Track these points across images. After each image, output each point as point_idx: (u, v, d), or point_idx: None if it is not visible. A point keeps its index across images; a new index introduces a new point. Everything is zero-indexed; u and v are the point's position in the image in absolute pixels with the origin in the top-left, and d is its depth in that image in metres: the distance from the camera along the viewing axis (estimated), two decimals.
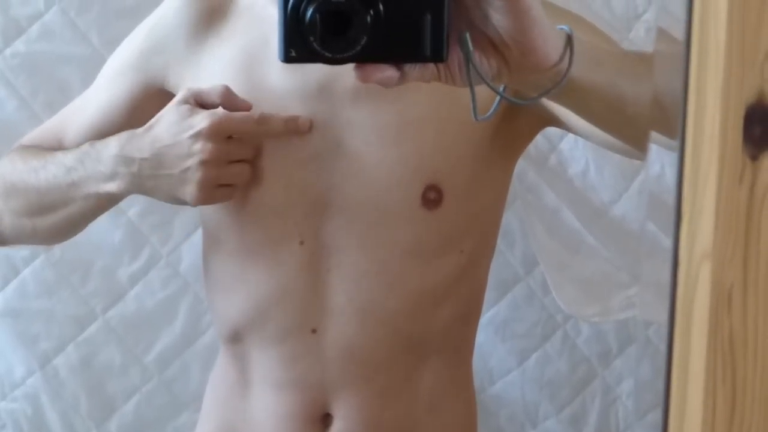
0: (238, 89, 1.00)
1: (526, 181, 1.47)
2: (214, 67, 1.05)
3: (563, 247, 1.45)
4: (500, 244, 1.36)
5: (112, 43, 1.18)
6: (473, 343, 1.15)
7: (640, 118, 0.79)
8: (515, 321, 1.53)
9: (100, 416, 1.51)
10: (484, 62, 0.70)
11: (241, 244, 1.07)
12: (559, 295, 1.41)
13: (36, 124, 1.39)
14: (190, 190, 0.98)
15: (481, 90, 0.72)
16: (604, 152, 1.23)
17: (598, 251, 1.45)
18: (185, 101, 0.98)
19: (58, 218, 1.09)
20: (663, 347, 0.50)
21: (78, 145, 1.09)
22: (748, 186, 0.48)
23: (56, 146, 1.12)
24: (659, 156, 0.64)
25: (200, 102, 0.98)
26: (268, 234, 1.04)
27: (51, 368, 1.49)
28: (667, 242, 0.50)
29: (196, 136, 0.96)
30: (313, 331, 1.05)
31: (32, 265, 1.47)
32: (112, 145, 1.02)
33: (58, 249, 1.45)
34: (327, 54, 0.68)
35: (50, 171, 1.06)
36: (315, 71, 0.98)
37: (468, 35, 0.69)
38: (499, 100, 0.76)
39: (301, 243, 1.04)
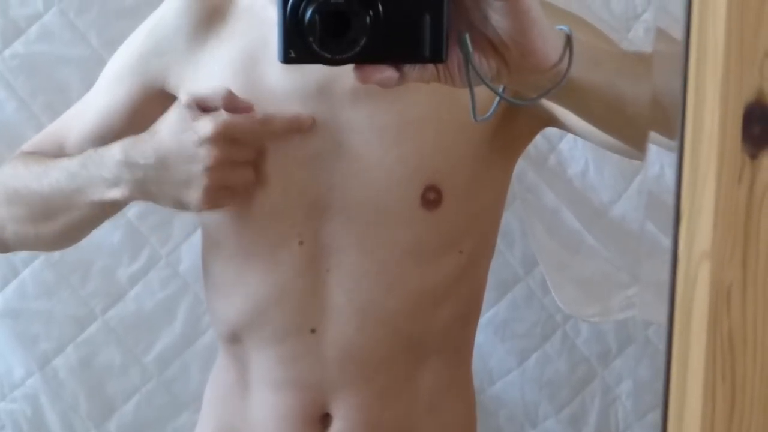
0: (237, 90, 0.99)
1: (526, 181, 1.48)
2: (214, 68, 1.05)
3: (563, 247, 1.45)
4: (500, 244, 1.36)
5: (112, 44, 1.18)
6: (473, 344, 1.15)
7: (639, 118, 0.79)
8: (515, 321, 1.53)
9: (99, 417, 1.51)
10: (483, 63, 0.71)
11: (240, 244, 1.07)
12: (558, 295, 1.41)
13: (35, 125, 1.39)
14: (195, 196, 0.97)
15: (481, 91, 0.72)
16: (603, 152, 1.23)
17: (598, 251, 1.45)
18: (188, 106, 0.97)
19: (61, 224, 1.08)
20: (662, 347, 0.50)
21: (80, 150, 1.08)
22: (748, 185, 0.48)
23: (58, 152, 1.12)
24: (659, 156, 0.64)
25: (202, 106, 0.97)
26: (267, 234, 1.04)
27: (50, 369, 1.49)
28: (667, 242, 0.50)
29: (201, 141, 0.95)
30: (313, 331, 1.06)
31: (32, 265, 1.47)
32: (116, 150, 1.00)
33: None
34: (326, 55, 0.68)
35: (53, 177, 1.05)
36: (314, 72, 0.98)
37: (467, 36, 0.69)
38: (499, 101, 0.76)
39: (301, 243, 1.04)
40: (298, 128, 1.00)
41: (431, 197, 1.02)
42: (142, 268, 1.49)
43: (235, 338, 1.10)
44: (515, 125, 1.05)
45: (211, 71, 1.05)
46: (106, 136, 1.08)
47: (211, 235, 1.10)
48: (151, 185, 0.99)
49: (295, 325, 1.06)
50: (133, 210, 1.46)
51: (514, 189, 1.42)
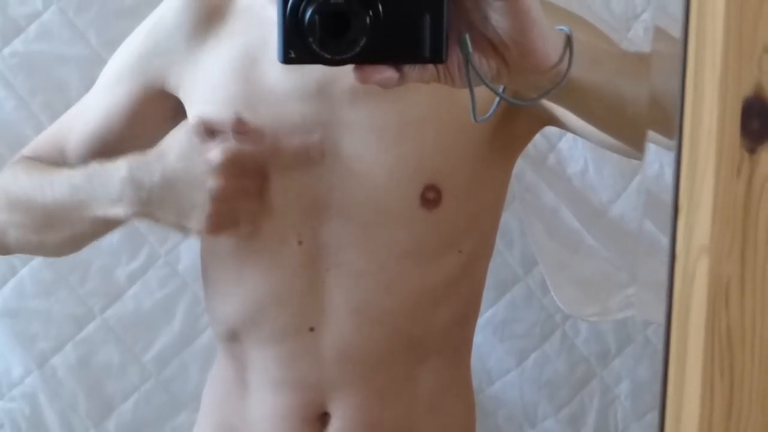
0: (237, 90, 0.99)
1: (525, 180, 1.48)
2: (214, 68, 1.05)
3: (562, 246, 1.45)
4: (499, 244, 1.36)
5: (111, 43, 1.18)
6: (472, 343, 1.15)
7: (639, 118, 0.80)
8: (514, 321, 1.53)
9: (98, 416, 1.51)
10: (483, 63, 0.71)
11: (239, 244, 1.06)
12: (557, 294, 1.41)
13: (34, 124, 1.40)
14: (197, 222, 0.94)
15: (481, 91, 0.72)
16: (602, 152, 1.23)
17: (597, 251, 1.45)
18: (196, 130, 0.95)
19: (63, 235, 1.06)
20: (661, 347, 0.50)
21: (80, 153, 1.08)
22: (746, 179, 0.48)
23: (58, 156, 1.11)
24: (658, 156, 0.64)
25: (211, 131, 0.93)
26: (266, 234, 1.04)
27: (49, 368, 1.49)
28: (666, 241, 0.50)
29: (210, 169, 0.91)
30: (312, 330, 1.05)
31: (30, 264, 1.47)
32: (122, 167, 0.97)
33: None
34: (326, 55, 0.68)
35: (56, 189, 1.03)
36: (314, 72, 0.98)
37: (467, 36, 0.69)
38: (499, 101, 0.76)
39: (300, 243, 1.04)
40: (306, 161, 0.99)
41: (431, 197, 1.02)
42: (141, 267, 1.49)
43: (233, 337, 1.10)
44: (515, 125, 1.05)
45: (210, 71, 1.05)
46: (106, 137, 1.08)
47: None
48: (154, 206, 0.96)
49: (293, 324, 1.06)
50: None
51: (514, 188, 1.42)
